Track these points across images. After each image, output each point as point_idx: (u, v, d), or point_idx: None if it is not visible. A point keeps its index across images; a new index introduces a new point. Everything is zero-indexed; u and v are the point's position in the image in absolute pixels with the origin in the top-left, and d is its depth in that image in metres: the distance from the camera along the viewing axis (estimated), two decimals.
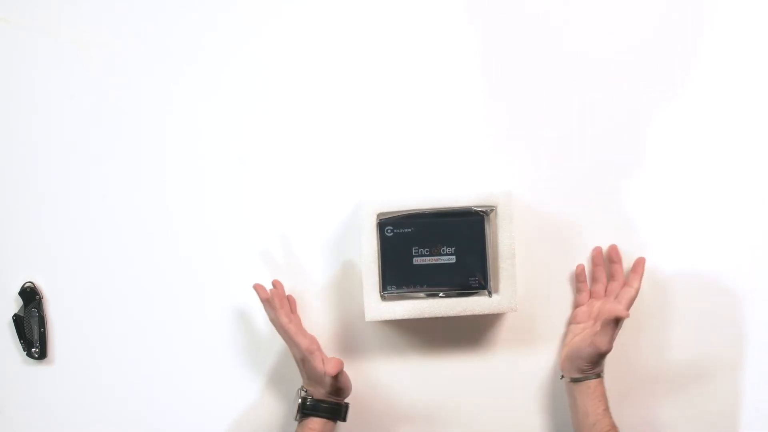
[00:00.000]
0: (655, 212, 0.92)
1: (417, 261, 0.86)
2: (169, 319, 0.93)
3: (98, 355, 0.93)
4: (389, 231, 0.86)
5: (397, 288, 0.86)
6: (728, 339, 0.93)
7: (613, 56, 0.92)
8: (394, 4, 0.92)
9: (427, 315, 0.85)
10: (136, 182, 0.93)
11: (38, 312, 0.92)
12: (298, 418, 0.84)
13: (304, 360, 0.83)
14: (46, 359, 0.93)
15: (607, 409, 0.83)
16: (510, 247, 0.85)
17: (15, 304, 0.93)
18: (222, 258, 0.93)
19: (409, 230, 0.86)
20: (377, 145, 0.93)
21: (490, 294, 0.86)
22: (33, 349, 0.92)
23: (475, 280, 0.85)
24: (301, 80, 0.93)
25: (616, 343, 0.82)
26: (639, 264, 0.89)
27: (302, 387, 0.86)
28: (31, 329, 0.92)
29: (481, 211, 0.86)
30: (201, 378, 0.93)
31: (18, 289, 0.92)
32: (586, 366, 0.84)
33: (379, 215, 0.86)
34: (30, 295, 0.92)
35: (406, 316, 0.86)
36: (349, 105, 0.93)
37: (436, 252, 0.85)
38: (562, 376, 0.89)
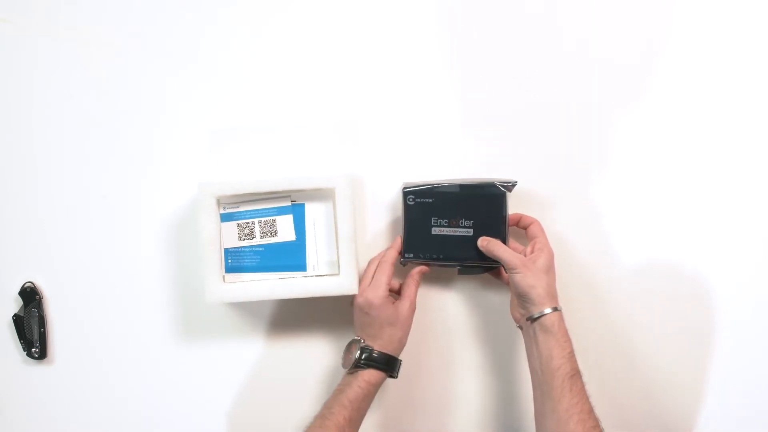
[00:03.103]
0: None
1: (435, 231, 0.87)
2: (168, 318, 0.93)
3: (98, 355, 0.93)
4: (411, 200, 0.88)
5: (414, 256, 0.88)
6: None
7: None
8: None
9: (267, 298, 0.86)
10: (136, 182, 0.93)
11: (38, 312, 0.92)
12: (351, 370, 0.83)
13: (381, 305, 0.83)
14: (46, 359, 0.93)
15: (572, 352, 0.79)
16: (351, 228, 0.86)
17: (15, 304, 0.93)
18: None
19: (430, 201, 0.87)
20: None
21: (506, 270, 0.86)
22: (33, 349, 0.92)
23: None
24: (302, 80, 0.93)
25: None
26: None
27: (359, 339, 0.85)
28: (31, 329, 0.92)
29: (502, 185, 0.87)
30: (201, 378, 0.93)
31: (18, 289, 0.92)
32: (529, 294, 0.81)
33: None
34: (30, 295, 0.92)
35: (246, 299, 0.86)
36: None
37: (455, 224, 0.87)
38: (519, 326, 0.85)
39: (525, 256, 0.84)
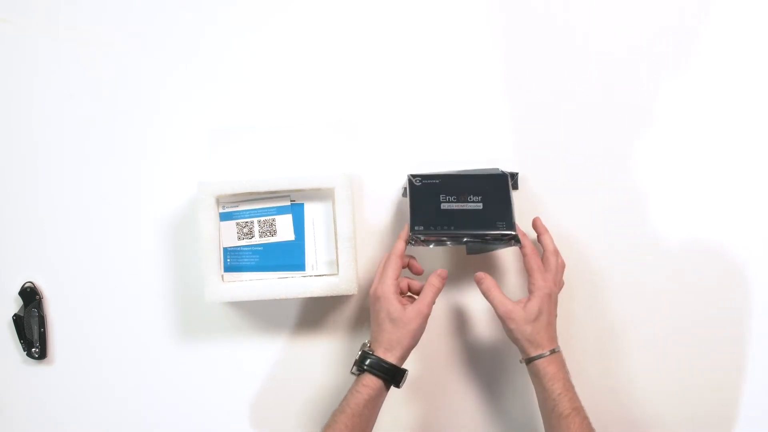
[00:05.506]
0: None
1: (445, 206, 0.85)
2: (168, 318, 0.93)
3: (98, 355, 0.93)
4: (418, 181, 0.86)
5: (425, 229, 0.84)
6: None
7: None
8: None
9: (266, 297, 0.86)
10: (136, 182, 0.93)
11: (38, 312, 0.92)
12: (355, 371, 0.81)
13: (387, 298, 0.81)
14: (46, 359, 0.93)
15: (567, 388, 0.79)
16: (350, 228, 0.85)
17: (15, 304, 0.93)
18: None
19: (437, 181, 0.86)
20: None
21: (517, 242, 0.84)
22: (33, 349, 0.92)
23: (502, 224, 0.84)
24: (301, 80, 0.93)
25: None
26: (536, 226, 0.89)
27: (367, 342, 0.82)
28: (31, 329, 0.92)
29: (504, 171, 0.88)
30: (200, 377, 0.93)
31: (18, 289, 0.92)
32: (514, 340, 0.82)
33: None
34: (30, 295, 0.92)
35: (245, 299, 0.86)
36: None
37: (463, 199, 0.85)
38: (521, 360, 0.84)
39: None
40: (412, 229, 0.84)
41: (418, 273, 0.87)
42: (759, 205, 0.92)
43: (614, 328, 0.92)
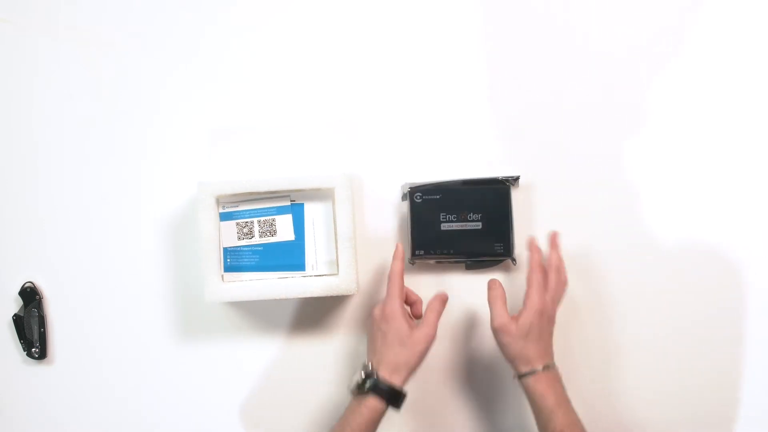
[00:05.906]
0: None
1: (445, 227, 0.87)
2: (168, 318, 0.93)
3: (98, 355, 0.93)
4: (418, 197, 0.88)
5: (425, 253, 0.88)
6: (732, 309, 0.92)
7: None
8: None
9: (266, 297, 0.85)
10: (136, 182, 0.93)
11: (38, 312, 0.92)
12: (356, 392, 0.80)
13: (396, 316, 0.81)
14: (46, 359, 0.93)
15: (559, 404, 0.78)
16: (350, 228, 0.85)
17: (15, 304, 0.93)
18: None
19: (437, 197, 0.88)
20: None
21: (514, 262, 0.88)
22: (33, 349, 0.92)
23: (500, 246, 0.87)
24: (302, 80, 0.93)
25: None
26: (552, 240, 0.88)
27: (367, 364, 0.81)
28: (31, 329, 0.92)
29: (506, 180, 0.89)
30: (200, 377, 0.93)
31: (18, 289, 0.92)
32: (506, 355, 0.82)
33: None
34: (30, 295, 0.92)
35: (245, 299, 0.86)
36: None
37: (464, 218, 0.87)
38: (514, 377, 0.83)
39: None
40: (413, 252, 0.88)
41: (408, 303, 0.88)
42: (758, 206, 0.92)
43: (613, 329, 0.92)
